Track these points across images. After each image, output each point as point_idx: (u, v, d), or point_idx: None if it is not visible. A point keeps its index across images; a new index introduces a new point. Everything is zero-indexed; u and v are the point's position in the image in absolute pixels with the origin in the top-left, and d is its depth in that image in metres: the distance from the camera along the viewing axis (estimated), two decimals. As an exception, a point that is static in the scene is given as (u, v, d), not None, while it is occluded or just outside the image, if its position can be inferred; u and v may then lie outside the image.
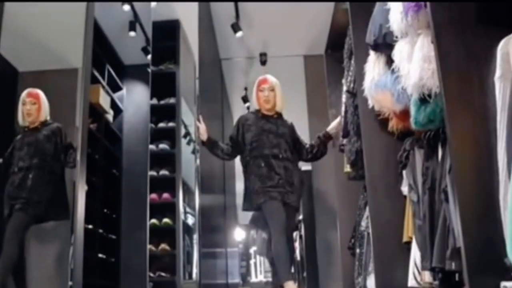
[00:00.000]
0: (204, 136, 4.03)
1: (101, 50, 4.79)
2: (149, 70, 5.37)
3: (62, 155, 3.69)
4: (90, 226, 4.30)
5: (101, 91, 4.73)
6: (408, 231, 3.00)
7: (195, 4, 4.72)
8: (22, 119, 3.69)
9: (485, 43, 2.00)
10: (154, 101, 5.61)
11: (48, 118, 3.77)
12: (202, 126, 4.05)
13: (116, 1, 5.04)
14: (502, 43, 1.91)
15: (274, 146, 3.91)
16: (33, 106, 3.69)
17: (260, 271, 14.03)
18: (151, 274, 5.05)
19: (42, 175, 3.62)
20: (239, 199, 3.85)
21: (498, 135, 1.86)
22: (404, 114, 2.91)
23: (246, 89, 6.61)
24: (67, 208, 3.60)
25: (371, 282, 3.40)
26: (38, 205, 3.52)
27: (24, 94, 3.71)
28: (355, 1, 3.58)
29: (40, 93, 3.74)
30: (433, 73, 2.25)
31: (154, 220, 5.30)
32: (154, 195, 5.35)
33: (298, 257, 9.01)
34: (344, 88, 4.00)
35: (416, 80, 2.36)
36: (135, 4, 5.17)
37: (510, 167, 1.78)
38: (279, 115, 4.11)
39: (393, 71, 2.76)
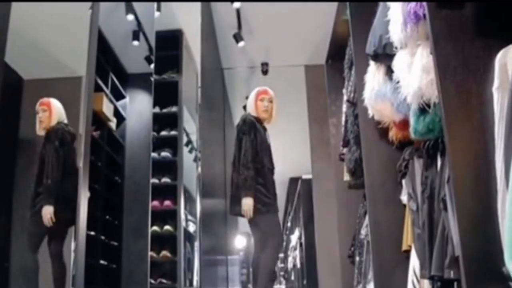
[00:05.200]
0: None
1: (104, 58, 4.81)
2: (152, 78, 5.41)
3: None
4: (92, 233, 4.31)
5: (105, 99, 4.74)
6: (407, 239, 3.01)
7: (198, 14, 4.76)
8: (38, 129, 3.79)
9: (483, 54, 2.02)
10: (157, 109, 5.64)
11: (63, 121, 3.85)
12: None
13: (120, 0, 5.08)
14: (500, 54, 1.92)
15: (271, 160, 4.04)
16: (44, 114, 3.77)
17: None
18: (152, 281, 5.06)
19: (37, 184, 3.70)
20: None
21: (496, 145, 1.87)
22: (404, 124, 2.94)
23: (247, 98, 6.67)
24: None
25: (370, 290, 3.42)
26: None
27: (37, 104, 3.80)
28: (356, 1, 3.62)
29: (52, 100, 3.83)
30: (432, 83, 2.28)
31: (155, 227, 5.32)
32: (155, 202, 5.36)
33: (298, 265, 9.01)
34: (345, 97, 4.03)
35: (415, 90, 2.39)
36: (139, 13, 5.21)
37: (508, 176, 1.79)
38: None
39: (392, 81, 2.79)
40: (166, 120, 5.71)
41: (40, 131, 3.78)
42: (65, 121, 3.86)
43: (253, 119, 4.09)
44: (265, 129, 4.13)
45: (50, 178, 3.66)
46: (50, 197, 3.64)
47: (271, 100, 4.16)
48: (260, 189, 3.86)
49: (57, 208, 3.62)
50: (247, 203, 3.79)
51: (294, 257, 9.97)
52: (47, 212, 3.59)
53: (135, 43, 5.34)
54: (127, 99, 5.48)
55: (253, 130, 3.99)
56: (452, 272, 2.22)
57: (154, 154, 5.43)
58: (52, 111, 3.80)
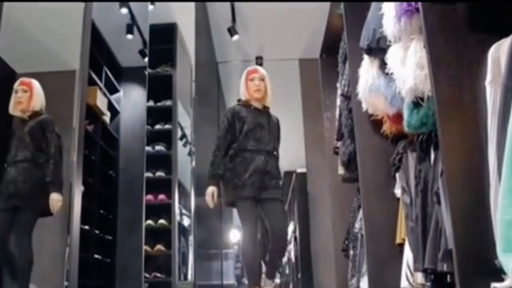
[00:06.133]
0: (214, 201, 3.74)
1: (98, 52, 4.80)
2: (146, 72, 5.41)
3: (44, 146, 3.53)
4: (86, 227, 4.32)
5: (99, 93, 4.75)
6: (401, 233, 3.02)
7: (192, 7, 4.76)
8: (12, 108, 3.56)
9: (476, 48, 2.02)
10: (151, 103, 5.65)
11: (43, 109, 3.62)
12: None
13: (114, 0, 5.07)
14: (493, 48, 1.92)
15: (266, 142, 3.78)
16: (25, 94, 3.55)
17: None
18: (147, 275, 5.08)
19: (29, 169, 3.47)
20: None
21: (488, 138, 1.88)
22: (398, 117, 2.94)
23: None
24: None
25: (364, 283, 3.43)
26: (20, 198, 3.40)
27: (17, 82, 3.59)
28: (349, 1, 3.62)
29: (34, 81, 3.60)
30: (426, 78, 2.28)
31: (150, 221, 5.33)
32: (150, 196, 5.38)
33: (293, 259, 9.03)
34: (339, 91, 4.03)
35: (410, 85, 2.39)
36: (133, 7, 5.20)
37: (501, 170, 1.80)
38: (267, 110, 3.95)
39: (386, 75, 2.80)
40: (160, 114, 5.72)
41: (15, 111, 3.57)
42: (43, 108, 3.63)
43: (235, 106, 3.93)
44: (260, 111, 3.88)
45: (60, 164, 3.51)
46: (61, 184, 3.50)
47: (262, 78, 3.91)
48: (231, 174, 3.69)
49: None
50: (207, 192, 3.69)
51: (289, 251, 9.97)
52: (58, 199, 3.43)
53: (129, 36, 5.33)
54: (121, 93, 5.49)
55: (230, 116, 3.83)
56: (445, 265, 2.23)
57: (148, 148, 5.45)
58: (34, 94, 3.58)
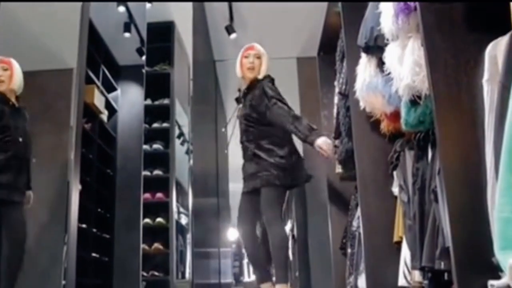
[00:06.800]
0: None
1: (96, 50, 4.80)
2: (144, 71, 5.40)
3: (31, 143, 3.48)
4: (84, 226, 4.32)
5: (96, 91, 4.75)
6: (399, 231, 3.02)
7: (190, 6, 4.75)
8: None
9: (473, 47, 2.02)
10: (148, 101, 5.65)
11: (21, 89, 3.52)
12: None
13: (111, 1, 5.07)
14: (490, 46, 1.93)
15: (243, 132, 3.58)
16: (5, 72, 3.43)
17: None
18: (144, 274, 5.08)
19: (27, 161, 3.43)
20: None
21: (486, 137, 1.88)
22: (395, 116, 2.94)
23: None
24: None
25: (362, 281, 3.43)
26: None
27: None
28: (347, 0, 3.62)
29: (13, 60, 3.50)
30: (424, 76, 2.28)
31: (147, 220, 5.33)
32: (147, 195, 5.38)
33: (291, 257, 9.03)
34: (336, 90, 4.04)
35: (408, 83, 2.39)
36: (130, 5, 5.20)
37: (498, 168, 1.80)
38: (254, 86, 3.64)
39: (384, 74, 2.80)
40: (158, 112, 5.72)
41: None
42: (21, 90, 3.53)
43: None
44: (248, 90, 3.66)
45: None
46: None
47: (258, 56, 3.66)
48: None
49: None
50: None
51: (287, 249, 9.96)
52: (32, 197, 3.42)
53: (127, 34, 5.33)
54: (118, 91, 5.49)
55: None
56: (442, 263, 2.23)
57: (146, 146, 5.45)
58: (14, 72, 3.46)
